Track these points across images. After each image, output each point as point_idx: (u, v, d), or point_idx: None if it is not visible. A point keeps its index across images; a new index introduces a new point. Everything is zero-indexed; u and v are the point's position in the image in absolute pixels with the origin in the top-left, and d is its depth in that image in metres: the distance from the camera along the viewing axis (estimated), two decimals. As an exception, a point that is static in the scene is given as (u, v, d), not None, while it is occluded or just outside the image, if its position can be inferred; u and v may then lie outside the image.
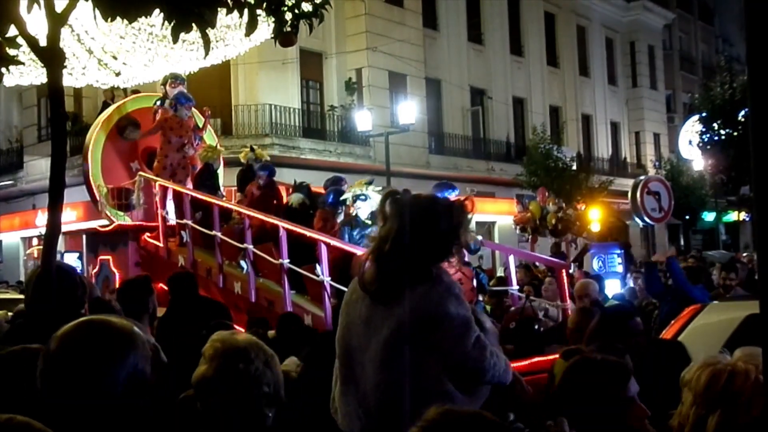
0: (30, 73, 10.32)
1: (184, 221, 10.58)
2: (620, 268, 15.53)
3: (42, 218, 24.22)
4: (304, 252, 8.78)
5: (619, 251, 18.30)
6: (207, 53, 5.01)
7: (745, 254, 18.70)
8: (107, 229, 11.88)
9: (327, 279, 8.19)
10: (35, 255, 21.18)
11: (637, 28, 40.45)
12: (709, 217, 36.65)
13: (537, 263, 12.76)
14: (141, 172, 12.05)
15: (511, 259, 9.44)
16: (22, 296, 14.09)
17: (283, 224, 8.85)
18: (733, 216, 35.12)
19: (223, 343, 2.74)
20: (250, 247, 9.23)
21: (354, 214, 8.73)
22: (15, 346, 2.82)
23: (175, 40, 3.91)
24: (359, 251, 7.76)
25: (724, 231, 38.37)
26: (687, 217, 33.94)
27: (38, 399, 1.95)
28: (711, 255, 23.77)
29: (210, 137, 13.20)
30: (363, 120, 23.32)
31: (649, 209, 16.19)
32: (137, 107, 12.74)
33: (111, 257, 11.71)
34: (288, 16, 5.21)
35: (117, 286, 10.69)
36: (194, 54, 11.00)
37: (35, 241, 23.60)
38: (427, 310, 2.69)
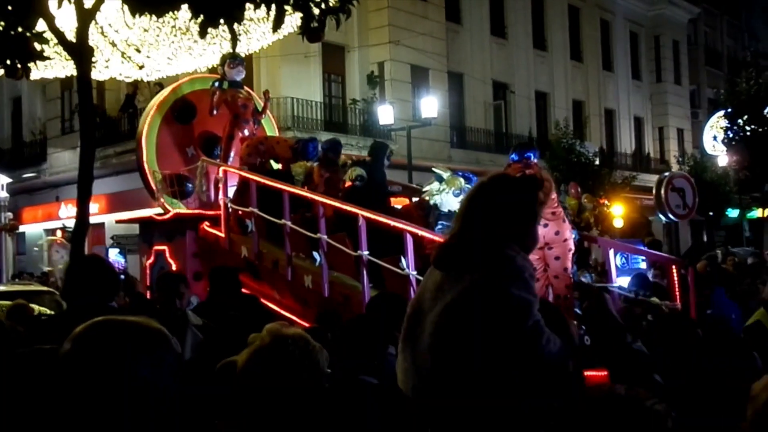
0: (55, 65, 10.38)
1: (250, 209, 9.87)
2: (644, 265, 15.39)
3: (65, 210, 24.40)
4: (381, 242, 8.13)
5: (642, 247, 18.12)
6: (234, 48, 5.00)
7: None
8: (163, 217, 11.34)
9: (413, 273, 7.52)
10: (59, 241, 21.18)
11: (662, 23, 40.07)
12: (733, 213, 36.33)
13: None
14: (204, 157, 11.58)
15: (611, 253, 8.70)
16: (45, 288, 14.16)
17: (363, 213, 8.13)
18: (757, 213, 34.78)
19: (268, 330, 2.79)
20: (324, 237, 8.52)
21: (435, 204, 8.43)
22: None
23: (203, 35, 3.90)
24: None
25: (747, 228, 38.02)
26: (711, 213, 33.64)
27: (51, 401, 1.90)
28: (735, 252, 23.56)
29: (268, 123, 12.82)
30: (385, 114, 23.26)
31: (673, 206, 16.00)
32: (193, 89, 12.27)
33: (167, 247, 11.18)
34: (315, 11, 5.19)
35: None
36: (217, 47, 11.01)
37: (59, 233, 23.72)
38: (490, 286, 2.73)
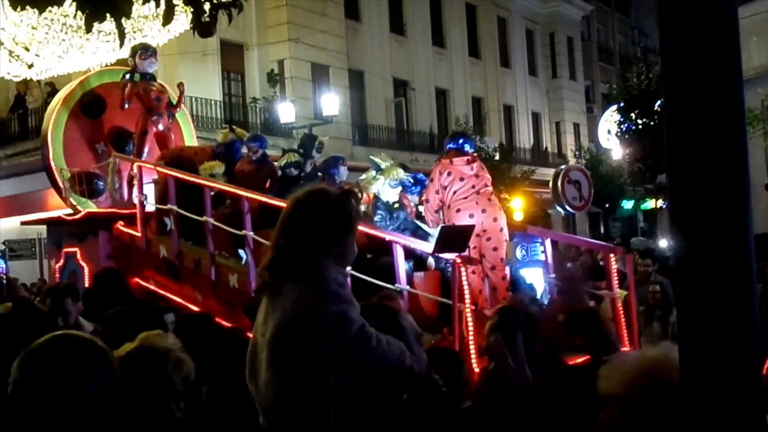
0: (-63, 65, 9.96)
1: (168, 207, 9.23)
2: (543, 257, 15.75)
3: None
4: None
5: (540, 240, 18.51)
6: (122, 44, 4.90)
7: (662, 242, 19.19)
8: (74, 217, 10.68)
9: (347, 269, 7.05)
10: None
11: (557, 20, 41.10)
12: (627, 205, 37.54)
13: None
14: (115, 153, 10.92)
15: (548, 243, 8.51)
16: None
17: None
18: (650, 204, 36.01)
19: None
20: (251, 233, 8.01)
21: (375, 196, 8.03)
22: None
23: (89, 30, 3.80)
24: (394, 236, 7.12)
25: (642, 218, 39.35)
26: (606, 205, 34.66)
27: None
28: (631, 242, 24.37)
29: (183, 117, 12.27)
30: (286, 112, 23.15)
31: (570, 198, 16.43)
32: (102, 82, 11.50)
33: (78, 249, 10.56)
34: (206, 6, 5.13)
35: (87, 281, 9.89)
36: (111, 45, 10.70)
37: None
38: (302, 309, 2.71)
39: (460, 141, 7.83)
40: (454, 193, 7.45)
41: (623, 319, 7.36)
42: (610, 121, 33.14)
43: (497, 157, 28.81)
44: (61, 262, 10.88)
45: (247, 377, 2.90)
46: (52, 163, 11.03)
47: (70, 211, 11.03)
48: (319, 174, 9.17)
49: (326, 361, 2.67)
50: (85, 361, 1.96)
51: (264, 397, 2.77)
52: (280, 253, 2.85)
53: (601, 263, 9.41)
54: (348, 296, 2.82)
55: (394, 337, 2.82)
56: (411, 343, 2.89)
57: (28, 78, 12.28)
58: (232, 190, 8.82)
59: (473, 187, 7.47)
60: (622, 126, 29.92)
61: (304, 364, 2.67)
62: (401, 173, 8.17)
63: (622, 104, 30.22)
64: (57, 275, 10.80)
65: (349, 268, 7.04)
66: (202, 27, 5.40)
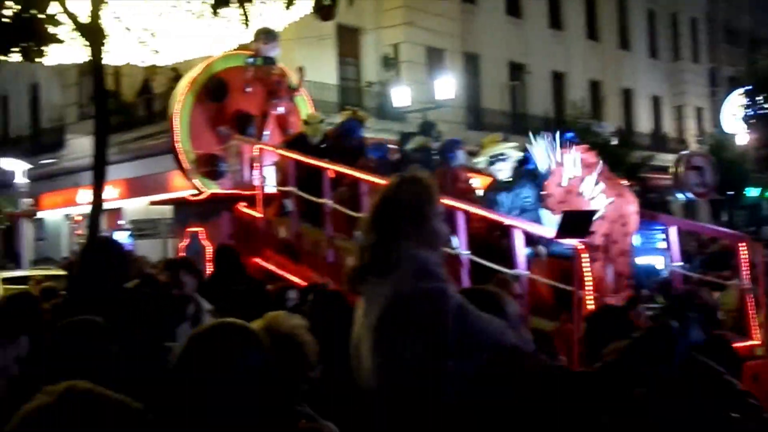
0: (72, 50, 10.42)
1: (288, 188, 9.54)
2: (662, 244, 15.29)
3: (83, 196, 24.55)
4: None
5: (661, 226, 18.03)
6: (246, 28, 5.00)
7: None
8: (198, 198, 11.13)
9: (465, 253, 6.98)
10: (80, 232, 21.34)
11: (680, 0, 39.72)
12: (752, 192, 36.05)
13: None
14: (237, 136, 11.28)
15: (673, 231, 8.14)
16: (65, 272, 14.23)
17: None
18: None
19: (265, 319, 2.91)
20: None
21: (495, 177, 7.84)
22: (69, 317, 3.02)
23: (215, 13, 3.90)
24: (512, 220, 7.05)
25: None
26: (730, 192, 33.38)
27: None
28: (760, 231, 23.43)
29: (303, 101, 12.52)
30: (400, 96, 23.21)
31: (692, 184, 15.92)
32: (226, 66, 11.83)
33: (202, 228, 10.92)
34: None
35: (210, 260, 10.06)
36: (232, 31, 10.98)
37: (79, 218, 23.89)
38: (400, 292, 2.76)
39: (567, 136, 7.73)
40: (583, 180, 7.24)
41: (753, 311, 7.06)
42: (735, 105, 31.92)
43: (615, 142, 28.10)
44: (186, 240, 11.22)
45: (353, 370, 2.96)
46: (179, 146, 11.41)
47: (194, 191, 11.41)
48: (436, 158, 9.16)
49: (431, 340, 2.70)
50: (237, 342, 2.19)
51: (372, 385, 2.82)
52: (370, 246, 2.93)
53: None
54: (443, 275, 2.86)
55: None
56: (514, 325, 2.91)
57: (154, 63, 12.72)
58: (350, 172, 8.87)
59: (601, 173, 7.26)
60: (748, 110, 28.79)
61: (409, 345, 2.70)
62: (498, 148, 7.86)
63: (748, 87, 29.04)
64: (183, 254, 11.18)
65: (466, 251, 7.13)
66: (323, 10, 5.47)
